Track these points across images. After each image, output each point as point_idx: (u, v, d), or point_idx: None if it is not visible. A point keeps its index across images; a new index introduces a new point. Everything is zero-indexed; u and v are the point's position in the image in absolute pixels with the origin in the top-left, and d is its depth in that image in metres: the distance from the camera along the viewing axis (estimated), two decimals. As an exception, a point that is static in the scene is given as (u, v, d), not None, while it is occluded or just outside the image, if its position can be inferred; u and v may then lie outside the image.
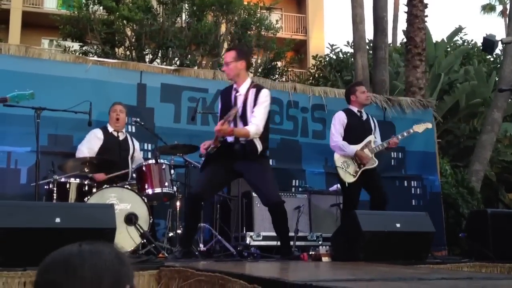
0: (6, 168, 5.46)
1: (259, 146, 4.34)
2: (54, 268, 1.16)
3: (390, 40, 14.67)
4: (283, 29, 19.28)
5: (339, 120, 5.51)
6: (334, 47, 16.63)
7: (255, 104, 4.33)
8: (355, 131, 5.46)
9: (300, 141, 7.11)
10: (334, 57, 16.49)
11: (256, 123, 4.27)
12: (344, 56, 16.25)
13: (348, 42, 16.29)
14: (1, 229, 3.15)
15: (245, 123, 4.36)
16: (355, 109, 5.58)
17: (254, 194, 5.52)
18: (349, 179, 5.35)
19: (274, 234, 4.68)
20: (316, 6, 21.88)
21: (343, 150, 5.39)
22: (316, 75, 16.28)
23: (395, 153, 7.49)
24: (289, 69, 15.49)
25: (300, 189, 6.71)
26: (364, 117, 5.63)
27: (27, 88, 5.48)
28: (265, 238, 5.34)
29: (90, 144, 5.37)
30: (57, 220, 3.31)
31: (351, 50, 14.88)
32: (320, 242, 5.57)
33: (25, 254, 3.07)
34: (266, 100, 4.37)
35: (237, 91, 4.43)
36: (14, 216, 3.26)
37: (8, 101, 4.01)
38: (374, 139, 5.53)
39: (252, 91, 4.37)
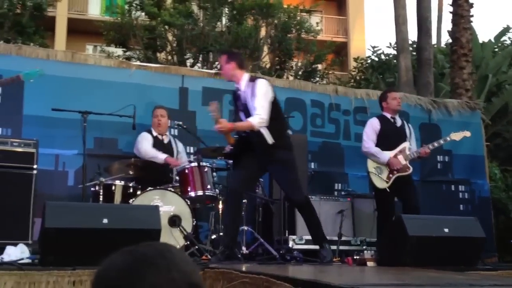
0: (54, 170, 5.59)
1: (269, 138, 4.37)
2: (143, 268, 1.03)
3: (434, 41, 14.33)
4: (324, 32, 19.16)
5: (371, 126, 5.51)
6: (375, 49, 16.41)
7: (253, 96, 4.43)
8: (389, 137, 5.45)
9: (342, 144, 7.04)
10: (376, 59, 16.26)
11: (257, 113, 4.35)
12: (386, 57, 16.01)
13: (390, 44, 16.04)
14: (52, 229, 3.21)
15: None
16: (388, 116, 5.56)
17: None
18: (382, 184, 5.33)
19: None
20: (357, 8, 21.67)
21: (375, 157, 5.38)
22: (358, 78, 16.09)
23: (441, 157, 7.32)
24: (329, 72, 15.35)
25: (343, 193, 6.63)
26: (398, 123, 5.59)
27: (74, 94, 5.67)
28: (308, 241, 5.27)
29: (147, 144, 5.45)
30: (105, 221, 3.36)
31: (394, 52, 14.68)
32: (364, 247, 5.48)
33: (74, 254, 3.13)
34: (262, 89, 4.42)
35: (239, 90, 4.57)
36: (64, 217, 3.33)
37: (21, 79, 4.16)
38: (409, 145, 5.47)
39: (249, 85, 4.49)
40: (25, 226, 4.55)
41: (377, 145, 5.43)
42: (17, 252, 3.77)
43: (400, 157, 5.35)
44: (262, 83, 4.48)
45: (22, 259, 3.61)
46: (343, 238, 5.48)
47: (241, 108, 4.55)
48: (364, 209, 5.97)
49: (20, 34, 12.13)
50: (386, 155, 5.34)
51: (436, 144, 5.53)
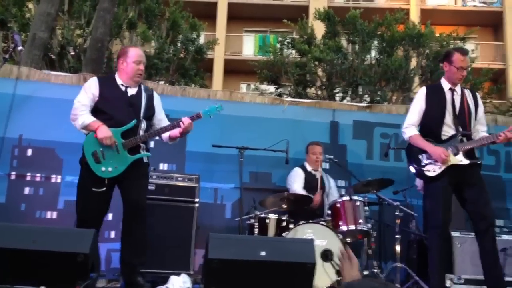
0: (213, 203, 5.95)
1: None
2: None
3: None
4: (479, 59, 18.12)
5: None
6: (539, 74, 15.10)
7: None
8: None
9: (504, 177, 6.61)
10: (540, 85, 14.97)
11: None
12: (553, 83, 14.66)
13: (557, 68, 14.68)
14: (215, 260, 3.42)
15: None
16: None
17: (452, 234, 5.32)
18: None
19: (477, 277, 4.36)
20: (516, 32, 20.15)
21: None
22: (519, 106, 14.91)
23: None
24: (487, 101, 14.45)
25: (505, 229, 6.17)
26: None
27: (232, 130, 6.02)
28: (468, 281, 4.97)
29: (299, 183, 5.65)
30: (262, 253, 3.49)
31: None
32: (532, 290, 5.01)
33: (234, 284, 3.29)
34: None
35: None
36: (225, 248, 3.53)
37: (201, 117, 4.35)
38: None
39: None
40: (187, 257, 4.86)
41: None
42: (180, 282, 4.01)
43: None
44: None
45: (187, 288, 3.87)
46: (507, 279, 5.06)
47: None
48: (531, 248, 5.48)
49: (183, 76, 13.26)
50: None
51: None
